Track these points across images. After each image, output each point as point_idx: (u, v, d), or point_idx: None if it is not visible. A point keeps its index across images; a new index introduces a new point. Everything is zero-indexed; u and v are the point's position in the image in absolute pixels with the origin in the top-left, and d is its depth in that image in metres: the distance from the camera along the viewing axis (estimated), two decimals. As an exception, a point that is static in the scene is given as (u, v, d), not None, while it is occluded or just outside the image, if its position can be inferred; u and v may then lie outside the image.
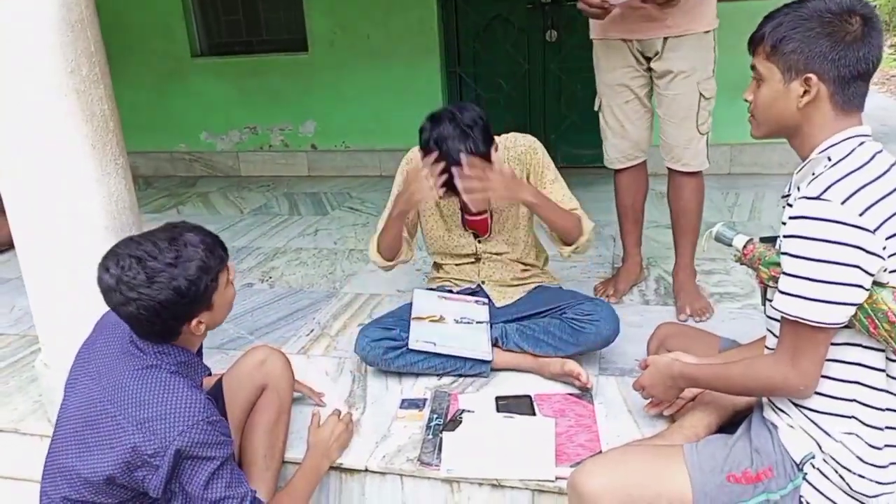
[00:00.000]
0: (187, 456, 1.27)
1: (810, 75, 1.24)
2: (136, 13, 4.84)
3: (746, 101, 1.37)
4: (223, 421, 1.36)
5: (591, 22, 2.35)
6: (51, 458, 1.39)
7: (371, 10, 4.45)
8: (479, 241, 2.18)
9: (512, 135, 2.13)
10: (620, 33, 2.27)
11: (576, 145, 4.38)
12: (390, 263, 2.14)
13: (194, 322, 1.34)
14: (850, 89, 1.24)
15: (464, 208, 2.10)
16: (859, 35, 1.21)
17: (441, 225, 2.19)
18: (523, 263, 2.20)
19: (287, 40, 4.80)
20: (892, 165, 1.22)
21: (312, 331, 2.49)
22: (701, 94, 2.24)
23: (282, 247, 3.45)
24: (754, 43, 1.32)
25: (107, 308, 1.49)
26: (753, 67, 1.34)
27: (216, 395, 1.67)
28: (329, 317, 2.60)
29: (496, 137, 1.96)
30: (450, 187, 1.85)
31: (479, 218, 2.14)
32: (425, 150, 1.86)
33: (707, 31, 2.21)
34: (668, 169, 2.41)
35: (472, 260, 2.20)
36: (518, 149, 2.08)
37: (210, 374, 1.49)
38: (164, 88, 4.98)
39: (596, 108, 2.49)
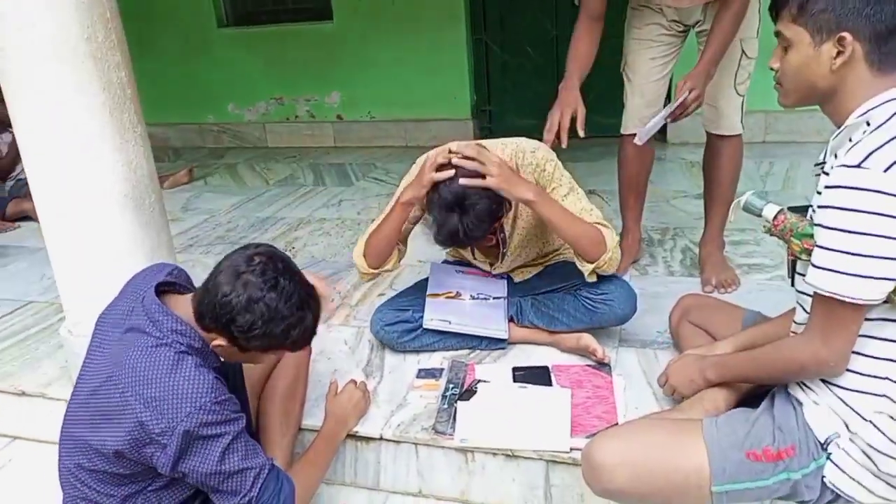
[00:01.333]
0: (197, 437, 1.26)
1: (844, 34, 1.16)
2: (163, -16, 4.85)
3: (772, 69, 1.30)
4: (232, 398, 1.35)
5: None
6: (65, 426, 1.41)
7: (395, -23, 4.39)
8: (493, 267, 2.09)
9: (521, 145, 1.86)
10: (660, 0, 2.19)
11: (604, 114, 4.28)
12: (374, 271, 1.92)
13: (225, 341, 1.33)
14: (887, 46, 1.16)
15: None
16: None
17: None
18: (543, 255, 2.13)
19: (312, 10, 4.78)
20: None
21: (333, 300, 2.49)
22: (743, 51, 2.16)
23: (305, 217, 3.45)
24: (777, 6, 1.24)
25: (133, 275, 1.51)
26: (778, 34, 1.26)
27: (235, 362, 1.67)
28: (350, 287, 2.60)
29: (504, 140, 1.88)
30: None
31: (490, 244, 1.99)
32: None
33: None
34: (707, 134, 2.34)
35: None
36: (527, 167, 1.84)
37: (221, 365, 1.48)
38: (190, 60, 5.00)
39: (621, 69, 2.41)
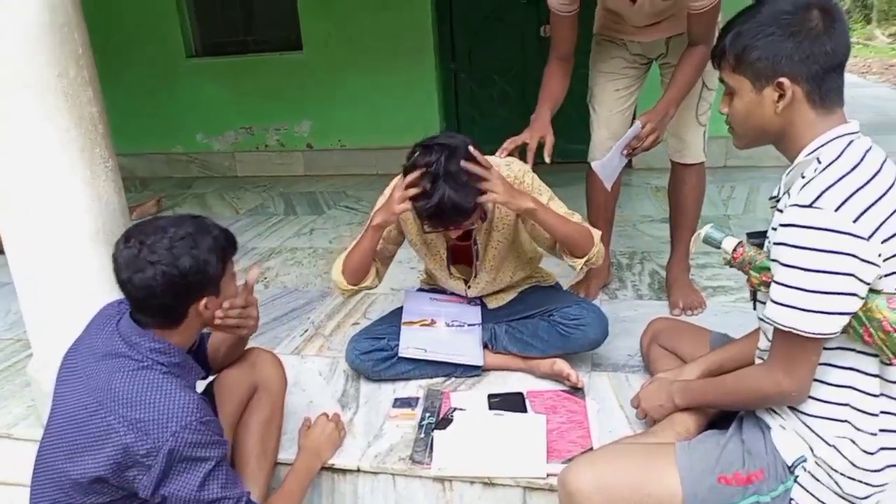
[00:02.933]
0: (181, 458, 1.26)
1: (782, 79, 1.20)
2: (130, 14, 4.84)
3: (722, 113, 1.35)
4: (216, 421, 1.36)
5: (596, 18, 2.35)
6: (40, 462, 1.39)
7: (365, 9, 4.45)
8: (469, 287, 2.08)
9: (495, 161, 1.88)
10: (624, 35, 2.27)
11: (571, 140, 4.37)
12: (353, 288, 1.95)
13: (202, 303, 1.36)
14: (825, 85, 1.20)
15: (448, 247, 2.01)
16: (821, 29, 1.17)
17: (431, 264, 2.09)
18: (515, 282, 2.15)
19: (281, 39, 4.81)
20: (884, 163, 1.20)
21: (307, 331, 2.49)
22: (704, 83, 2.23)
23: (277, 247, 3.45)
24: (717, 57, 1.29)
25: (97, 311, 1.50)
26: (722, 80, 1.31)
27: (208, 396, 1.67)
28: (323, 316, 2.60)
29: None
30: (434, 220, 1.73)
31: (463, 244, 2.00)
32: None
33: None
34: (672, 162, 2.41)
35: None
36: (510, 176, 1.87)
37: (205, 377, 1.49)
38: (159, 90, 4.99)
39: (588, 101, 2.48)
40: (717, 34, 2.13)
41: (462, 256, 2.04)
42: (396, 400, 1.96)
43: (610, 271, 2.64)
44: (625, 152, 2.14)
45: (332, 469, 1.74)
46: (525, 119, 2.12)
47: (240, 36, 4.96)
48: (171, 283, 1.30)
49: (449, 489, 1.67)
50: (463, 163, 1.68)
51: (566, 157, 4.36)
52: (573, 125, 4.13)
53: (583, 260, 1.84)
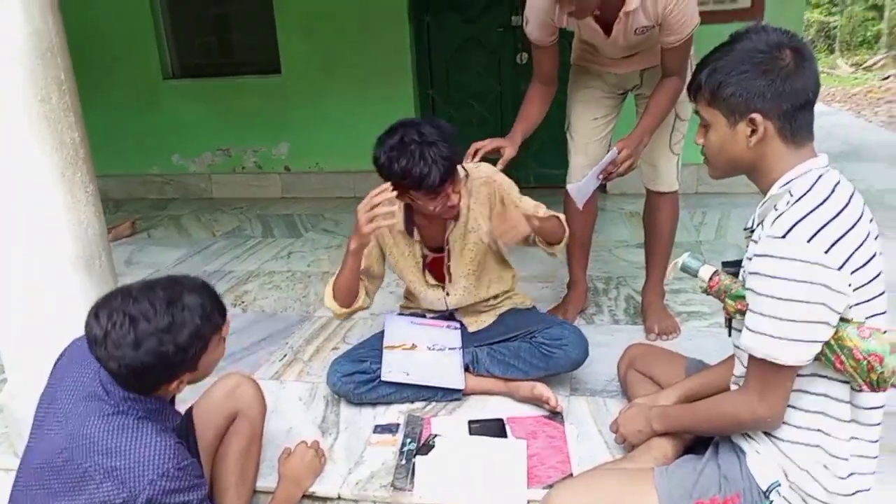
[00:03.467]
0: None
1: (754, 115, 1.25)
2: (107, 36, 4.82)
3: (698, 144, 1.40)
4: (195, 463, 1.33)
5: (573, 49, 2.41)
6: (15, 499, 1.36)
7: (344, 33, 4.49)
8: (448, 294, 2.12)
9: (465, 165, 2.02)
10: (599, 67, 2.33)
11: (547, 165, 4.46)
12: (346, 311, 2.02)
13: (174, 383, 1.32)
14: (796, 121, 1.25)
15: (423, 244, 2.07)
16: (792, 68, 1.22)
17: (414, 280, 2.14)
18: (493, 297, 2.19)
19: (260, 62, 4.82)
20: (852, 196, 1.25)
21: (286, 356, 2.48)
22: (677, 114, 2.30)
23: (255, 270, 3.43)
24: (693, 91, 1.34)
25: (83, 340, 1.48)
26: (698, 113, 1.35)
27: (187, 423, 1.65)
28: (302, 341, 2.59)
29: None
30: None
31: (437, 255, 2.08)
32: (392, 179, 1.81)
33: None
34: (646, 190, 2.47)
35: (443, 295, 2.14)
36: (481, 178, 2.02)
37: (180, 421, 1.46)
38: (135, 111, 4.96)
39: (566, 129, 2.53)
40: (689, 66, 2.24)
41: (439, 270, 2.08)
42: (377, 426, 1.97)
43: (587, 296, 2.68)
44: (601, 176, 2.19)
45: (312, 497, 1.74)
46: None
47: (217, 58, 4.96)
48: (136, 375, 1.25)
49: (430, 516, 1.67)
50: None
51: (542, 182, 4.46)
52: (548, 150, 4.23)
53: (560, 245, 2.02)
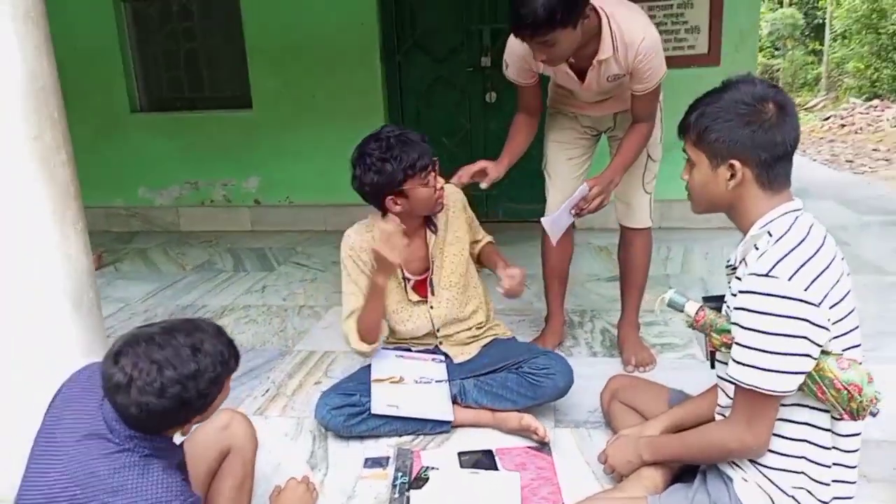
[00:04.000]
0: None
1: (734, 161, 1.34)
2: (75, 68, 4.74)
3: (683, 179, 1.49)
4: (198, 499, 1.34)
5: (549, 92, 2.51)
6: None
7: (316, 69, 4.56)
8: (433, 308, 2.17)
9: (449, 186, 2.18)
10: (574, 109, 2.44)
11: (515, 201, 4.56)
12: (375, 346, 2.08)
13: (187, 426, 1.34)
14: (773, 171, 1.35)
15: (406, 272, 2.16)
16: (775, 121, 1.32)
17: (397, 303, 2.19)
18: (477, 326, 2.26)
19: (230, 97, 4.84)
20: (825, 237, 1.35)
21: (268, 390, 2.47)
22: (649, 155, 2.41)
23: (229, 304, 3.41)
24: (682, 130, 1.43)
25: (80, 375, 1.47)
26: (685, 150, 1.45)
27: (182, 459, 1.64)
28: (284, 375, 2.59)
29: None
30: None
31: (422, 278, 2.17)
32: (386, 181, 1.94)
33: None
34: (621, 227, 2.56)
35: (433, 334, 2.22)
36: (450, 190, 2.18)
37: (182, 458, 1.46)
38: (101, 144, 4.90)
39: (542, 168, 2.62)
40: (657, 112, 2.36)
41: (423, 289, 2.17)
42: (367, 460, 1.98)
43: (564, 329, 2.75)
44: (573, 212, 2.27)
45: (306, 533, 1.73)
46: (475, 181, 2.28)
47: (187, 93, 4.96)
48: (155, 419, 1.25)
49: (426, 549, 1.69)
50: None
51: (512, 217, 4.56)
52: (518, 186, 4.33)
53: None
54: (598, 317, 2.99)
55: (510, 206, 4.59)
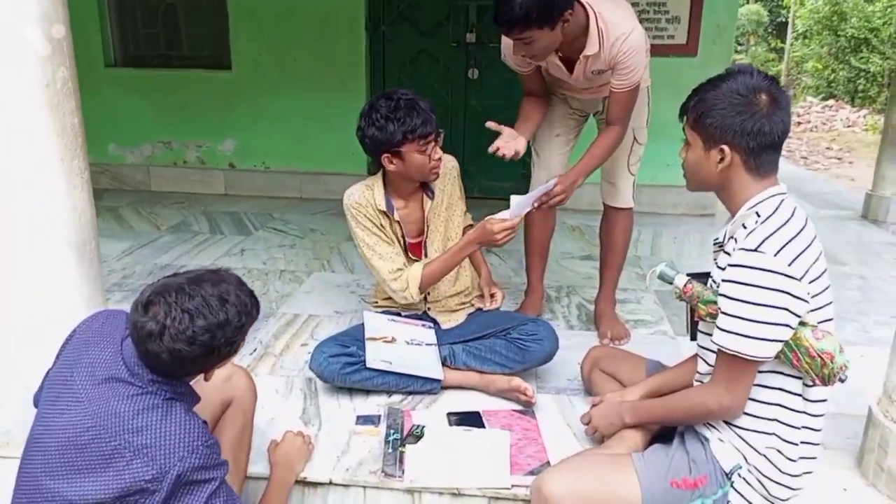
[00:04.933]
0: (187, 481, 1.28)
1: (724, 146, 1.45)
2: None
3: (680, 157, 1.60)
4: (218, 442, 1.39)
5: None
6: (28, 479, 1.36)
7: (300, 35, 4.53)
8: (425, 268, 2.27)
9: (447, 157, 2.27)
10: (565, 92, 2.52)
11: (492, 178, 4.65)
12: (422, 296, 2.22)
13: (211, 372, 1.39)
14: (760, 158, 1.46)
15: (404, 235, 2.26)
16: (765, 112, 1.42)
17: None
18: (466, 293, 2.36)
19: (209, 57, 4.78)
20: (806, 219, 1.47)
21: (255, 350, 2.52)
22: (635, 138, 2.52)
23: (209, 266, 3.39)
24: (683, 112, 1.54)
25: (94, 321, 1.50)
26: (684, 131, 1.56)
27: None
28: (270, 336, 2.64)
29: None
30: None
31: (417, 241, 2.28)
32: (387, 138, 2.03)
33: (643, 87, 2.48)
34: (604, 206, 2.67)
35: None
36: (452, 169, 2.31)
37: (199, 401, 1.51)
38: (72, 96, 4.77)
39: (530, 143, 2.69)
40: (645, 98, 2.46)
41: (417, 251, 2.28)
42: (359, 417, 2.05)
43: (543, 302, 2.86)
44: (535, 204, 2.29)
45: (303, 482, 1.81)
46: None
47: (164, 50, 4.87)
48: (183, 364, 1.30)
49: (419, 500, 1.78)
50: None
51: (488, 194, 4.64)
52: (496, 163, 4.40)
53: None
54: (573, 292, 3.12)
55: (486, 184, 4.67)
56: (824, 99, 12.66)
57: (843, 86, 12.45)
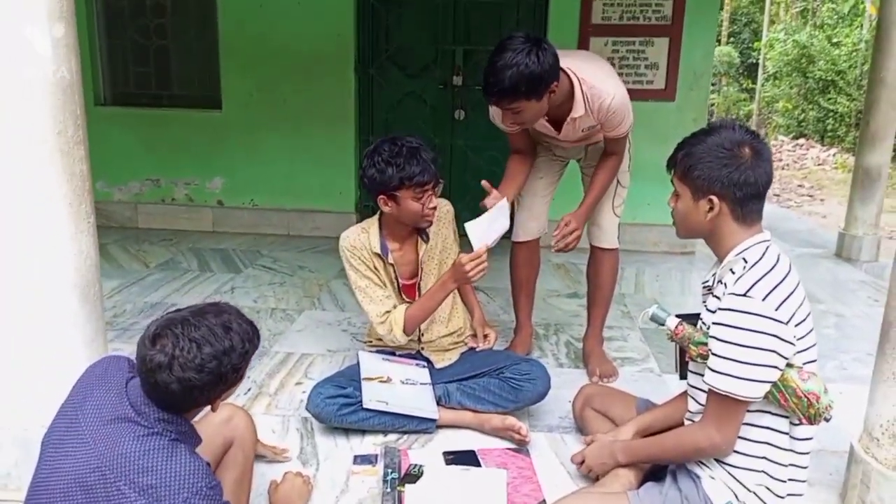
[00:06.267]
0: None
1: (712, 196, 1.55)
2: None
3: (670, 206, 1.69)
4: (220, 484, 1.42)
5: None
6: None
7: (290, 75, 4.62)
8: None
9: (442, 200, 2.35)
10: (550, 141, 2.62)
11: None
12: (411, 338, 2.29)
13: (217, 402, 1.42)
14: (746, 207, 1.55)
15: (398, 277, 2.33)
16: (749, 164, 1.52)
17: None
18: (458, 333, 2.42)
19: (199, 97, 4.84)
20: (790, 265, 1.56)
21: (250, 389, 2.54)
22: (619, 181, 2.63)
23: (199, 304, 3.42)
24: (670, 164, 1.64)
25: (99, 366, 1.53)
26: (672, 182, 1.65)
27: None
28: (264, 375, 2.66)
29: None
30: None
31: (411, 282, 2.35)
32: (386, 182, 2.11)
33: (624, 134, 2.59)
34: (591, 247, 2.76)
35: (416, 338, 2.36)
36: (447, 213, 2.38)
37: (201, 442, 1.54)
38: (61, 134, 4.80)
39: None
40: (626, 145, 2.57)
41: (411, 293, 2.34)
42: (356, 457, 2.08)
43: (532, 340, 2.92)
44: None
45: (304, 523, 1.83)
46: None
47: (154, 89, 4.93)
48: (191, 394, 1.34)
49: (418, 539, 1.81)
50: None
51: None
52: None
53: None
54: (561, 330, 3.18)
55: (472, 221, 4.75)
56: (795, 138, 13.04)
57: (812, 125, 12.83)
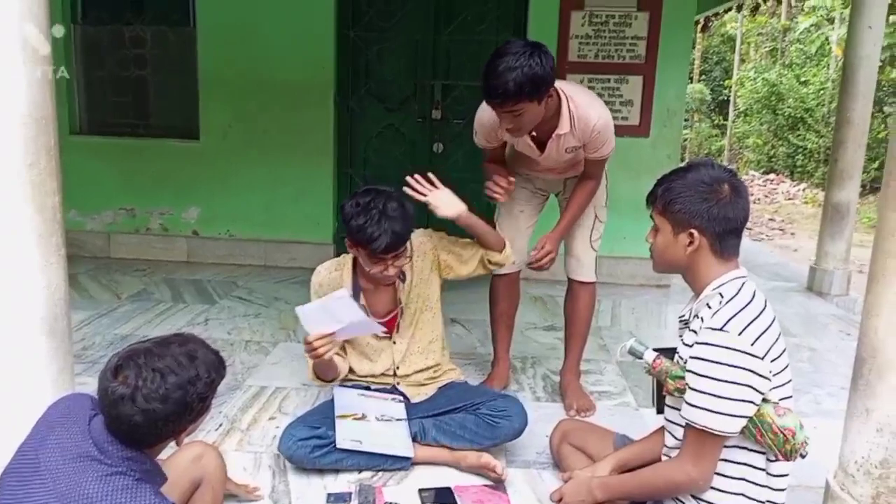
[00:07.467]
0: None
1: (692, 230, 1.57)
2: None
3: (648, 242, 1.71)
4: None
5: (507, 157, 2.71)
6: None
7: (270, 107, 4.63)
8: (395, 343, 2.32)
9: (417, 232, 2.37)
10: (530, 172, 2.65)
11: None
12: (332, 383, 2.29)
13: (182, 435, 1.39)
14: (725, 242, 1.58)
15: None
16: (728, 200, 1.55)
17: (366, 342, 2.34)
18: (434, 368, 2.40)
19: (177, 127, 4.82)
20: (766, 301, 1.58)
21: (221, 425, 2.48)
22: (597, 216, 2.66)
23: (172, 336, 3.36)
24: (650, 200, 1.66)
25: (62, 403, 1.49)
26: (652, 217, 1.67)
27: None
28: (237, 410, 2.60)
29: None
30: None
31: (388, 318, 2.33)
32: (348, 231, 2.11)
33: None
34: (568, 280, 2.77)
35: (391, 372, 2.35)
36: (420, 245, 2.34)
37: (166, 481, 1.50)
38: (34, 162, 4.74)
39: (495, 219, 2.80)
40: (603, 177, 2.61)
41: (388, 327, 2.31)
42: (330, 495, 2.04)
43: (509, 373, 2.91)
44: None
45: (275, 565, 1.78)
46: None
47: (132, 119, 4.90)
48: (156, 426, 1.30)
49: (393, 581, 1.77)
50: (406, 188, 2.22)
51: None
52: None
53: (504, 254, 2.37)
54: (538, 363, 3.17)
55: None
56: (765, 173, 13.33)
57: (782, 161, 13.14)
